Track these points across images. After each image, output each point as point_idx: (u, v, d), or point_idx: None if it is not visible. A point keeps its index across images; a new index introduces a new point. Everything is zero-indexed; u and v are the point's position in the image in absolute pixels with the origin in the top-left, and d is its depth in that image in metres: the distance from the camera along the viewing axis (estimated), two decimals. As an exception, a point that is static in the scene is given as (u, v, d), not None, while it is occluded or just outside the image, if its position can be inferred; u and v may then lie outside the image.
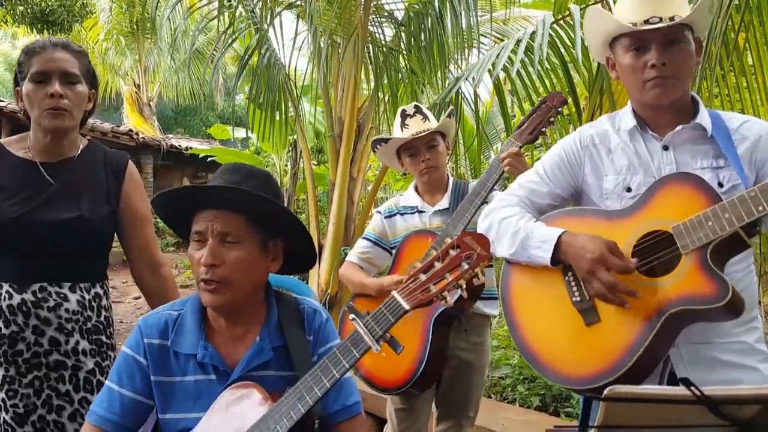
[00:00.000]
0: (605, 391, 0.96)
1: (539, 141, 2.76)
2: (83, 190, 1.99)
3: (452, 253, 1.49)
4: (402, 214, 2.73)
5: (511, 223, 1.78)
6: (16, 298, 1.87)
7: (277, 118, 4.76)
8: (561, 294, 1.69)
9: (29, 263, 1.90)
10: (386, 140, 2.71)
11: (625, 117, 1.76)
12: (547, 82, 4.06)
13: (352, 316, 1.52)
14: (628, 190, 1.72)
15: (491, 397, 4.19)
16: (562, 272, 1.70)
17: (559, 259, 1.67)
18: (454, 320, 2.52)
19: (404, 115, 2.68)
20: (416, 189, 2.76)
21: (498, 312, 2.85)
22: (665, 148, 1.69)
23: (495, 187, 2.45)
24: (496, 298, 2.66)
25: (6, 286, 1.88)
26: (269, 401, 1.48)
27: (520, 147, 2.40)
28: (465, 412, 2.70)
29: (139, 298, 9.06)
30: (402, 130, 2.65)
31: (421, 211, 2.68)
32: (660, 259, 1.59)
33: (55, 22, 11.52)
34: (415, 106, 2.69)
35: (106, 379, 1.97)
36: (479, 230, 1.92)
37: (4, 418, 1.88)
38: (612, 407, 0.98)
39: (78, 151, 2.05)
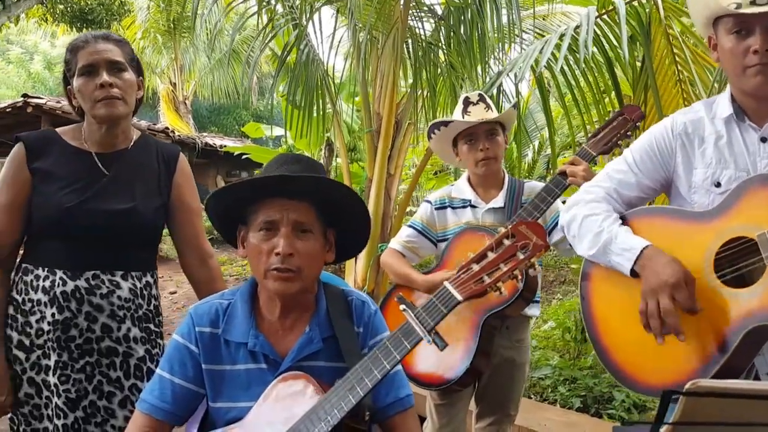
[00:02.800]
0: (687, 385, 0.91)
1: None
2: (136, 181, 2.02)
3: (506, 242, 1.45)
4: (453, 208, 2.61)
5: (595, 222, 1.71)
6: (70, 285, 1.90)
7: (315, 114, 4.75)
8: (639, 301, 1.62)
9: (83, 251, 1.92)
10: (446, 123, 2.58)
11: (722, 104, 1.66)
12: (589, 77, 3.98)
13: (402, 306, 1.49)
14: (718, 185, 1.62)
15: (531, 398, 4.12)
16: None
17: (638, 272, 1.61)
18: (502, 322, 2.46)
19: (467, 102, 2.57)
20: (469, 181, 2.63)
21: (539, 313, 2.79)
22: (763, 140, 1.59)
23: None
24: (538, 302, 2.61)
25: (60, 273, 1.91)
26: (320, 392, 1.46)
27: (594, 156, 2.33)
28: (506, 410, 2.65)
29: (175, 292, 9.16)
30: (463, 117, 2.55)
31: (474, 206, 2.56)
32: (744, 269, 1.50)
33: (94, 20, 11.75)
34: (479, 95, 2.59)
35: (155, 366, 1.99)
36: (560, 223, 1.87)
37: (56, 402, 1.90)
38: (692, 402, 0.93)
39: (131, 143, 2.07)
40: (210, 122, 24.12)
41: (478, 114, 2.51)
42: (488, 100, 2.59)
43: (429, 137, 2.70)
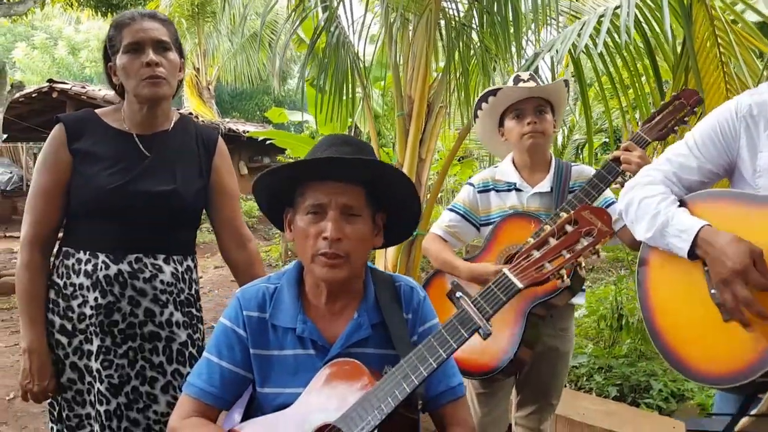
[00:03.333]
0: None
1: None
2: (177, 163, 1.98)
3: (569, 228, 1.40)
4: (497, 191, 2.50)
5: (651, 204, 1.65)
6: (113, 269, 1.86)
7: (345, 98, 4.67)
8: (699, 284, 1.55)
9: (125, 234, 1.89)
10: (495, 91, 2.45)
11: None
12: (626, 54, 3.87)
13: (458, 293, 1.44)
14: None
15: (566, 386, 4.06)
16: (703, 262, 1.56)
17: (697, 255, 1.54)
18: (548, 311, 2.39)
19: (518, 79, 2.46)
20: (514, 164, 2.53)
21: (584, 301, 2.71)
22: None
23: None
24: (584, 290, 2.53)
25: (102, 256, 1.87)
26: (371, 379, 1.43)
27: (649, 143, 2.23)
28: (548, 399, 2.59)
29: (201, 277, 9.18)
30: None
31: (519, 190, 2.47)
32: None
33: (119, 5, 11.77)
34: (530, 74, 2.48)
35: (197, 351, 1.98)
36: (618, 206, 1.81)
37: (98, 388, 1.88)
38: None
39: (171, 124, 2.03)
40: (232, 107, 24.18)
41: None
42: (538, 80, 2.48)
43: (475, 115, 2.58)
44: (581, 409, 3.38)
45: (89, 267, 1.87)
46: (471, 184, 2.58)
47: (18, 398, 4.38)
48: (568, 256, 1.38)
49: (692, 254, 1.54)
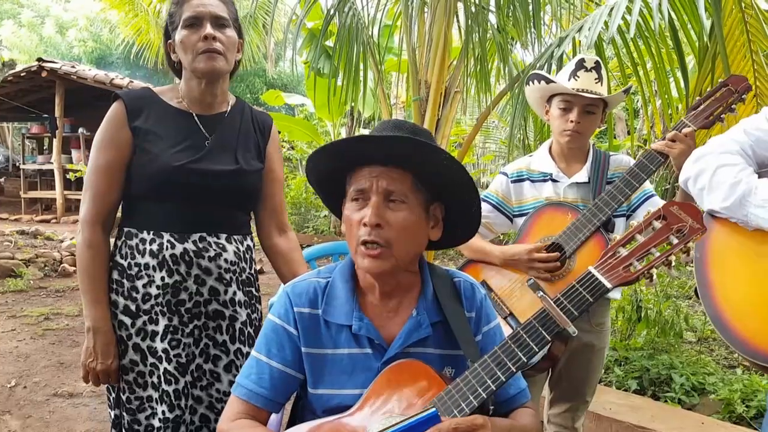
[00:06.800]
0: None
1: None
2: (238, 145, 1.99)
3: (657, 224, 1.34)
4: (532, 180, 2.43)
5: (730, 173, 1.59)
6: (179, 248, 1.87)
7: (358, 80, 4.55)
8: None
9: (189, 213, 1.89)
10: (546, 79, 2.37)
11: None
12: (652, 44, 3.78)
13: (540, 293, 1.36)
14: None
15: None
16: None
17: None
18: None
19: (580, 65, 2.35)
20: (550, 152, 2.45)
21: (620, 296, 2.64)
22: None
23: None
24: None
25: (167, 236, 1.87)
26: (438, 382, 1.35)
27: (695, 130, 2.17)
28: (582, 396, 2.51)
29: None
30: (570, 79, 2.34)
31: (555, 180, 2.39)
32: None
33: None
34: (596, 62, 2.36)
35: (254, 332, 2.00)
36: (684, 174, 1.73)
37: (165, 368, 1.87)
38: None
39: (229, 108, 2.04)
40: (222, 90, 23.82)
41: (586, 83, 2.32)
42: (602, 71, 2.37)
43: (527, 83, 2.49)
44: (606, 403, 3.33)
45: (154, 246, 1.86)
46: (504, 174, 2.51)
47: (20, 386, 4.26)
48: (658, 254, 1.32)
49: None
